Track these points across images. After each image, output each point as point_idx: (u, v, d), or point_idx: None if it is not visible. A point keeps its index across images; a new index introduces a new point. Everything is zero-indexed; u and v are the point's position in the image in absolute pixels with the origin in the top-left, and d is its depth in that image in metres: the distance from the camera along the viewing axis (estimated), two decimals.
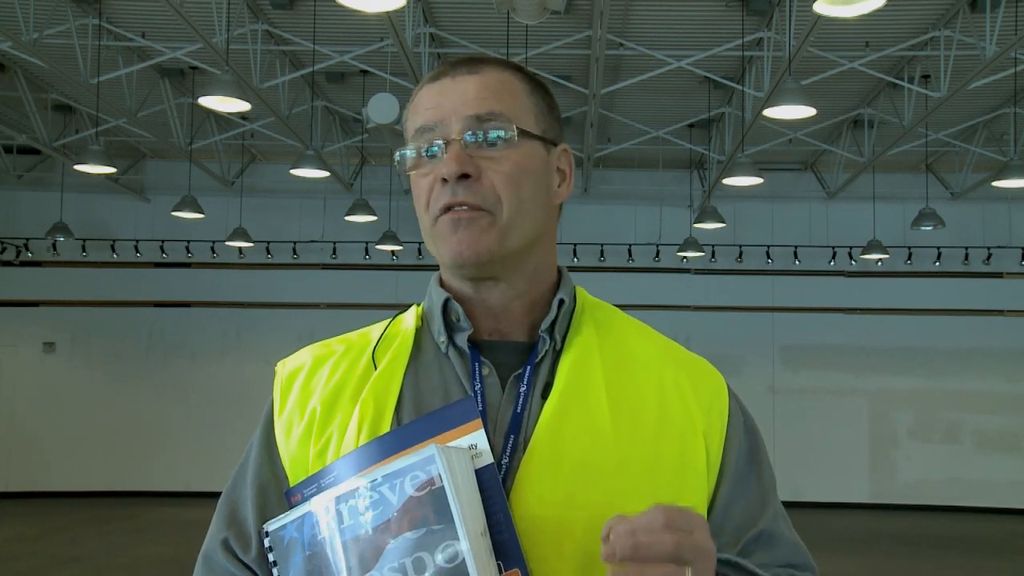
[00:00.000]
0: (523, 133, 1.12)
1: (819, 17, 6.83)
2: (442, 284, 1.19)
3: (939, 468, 13.33)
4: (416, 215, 1.19)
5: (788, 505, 1.20)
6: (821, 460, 13.23)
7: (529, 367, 1.12)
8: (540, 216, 1.15)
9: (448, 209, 1.10)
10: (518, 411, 1.09)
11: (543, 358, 1.13)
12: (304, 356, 1.21)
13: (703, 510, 1.11)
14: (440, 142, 1.11)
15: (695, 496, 1.10)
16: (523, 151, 1.13)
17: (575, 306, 1.19)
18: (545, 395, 1.10)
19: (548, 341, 1.14)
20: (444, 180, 1.10)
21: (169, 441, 13.39)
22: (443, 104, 1.13)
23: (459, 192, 1.09)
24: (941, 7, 8.42)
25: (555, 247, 1.21)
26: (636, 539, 0.88)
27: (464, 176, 1.09)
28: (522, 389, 1.10)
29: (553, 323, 1.14)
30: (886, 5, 5.97)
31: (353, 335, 1.23)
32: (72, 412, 13.42)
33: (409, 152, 1.14)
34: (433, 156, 1.12)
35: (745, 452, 1.17)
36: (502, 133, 1.11)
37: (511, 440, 1.07)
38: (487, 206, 1.10)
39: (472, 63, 1.16)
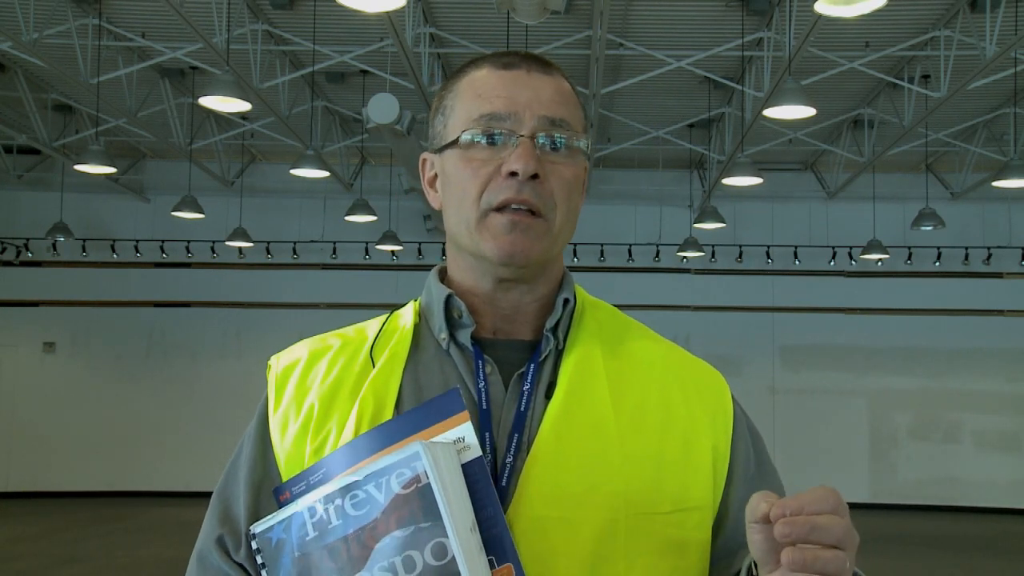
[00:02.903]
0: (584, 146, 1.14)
1: (819, 17, 6.83)
2: (443, 280, 1.18)
3: (939, 468, 13.33)
4: (431, 198, 1.17)
5: None
6: (821, 460, 13.22)
7: (533, 365, 1.11)
8: (575, 226, 1.17)
9: (505, 206, 1.08)
10: (522, 410, 1.08)
11: (546, 357, 1.12)
12: (300, 351, 1.19)
13: (710, 511, 1.11)
14: (511, 134, 1.10)
15: (701, 496, 1.10)
16: (577, 161, 1.14)
17: (576, 305, 1.18)
18: (549, 394, 1.10)
19: (552, 340, 1.13)
20: (511, 174, 1.08)
21: (169, 441, 13.39)
22: (518, 96, 1.11)
23: (525, 191, 1.08)
24: (941, 7, 8.42)
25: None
26: (814, 521, 0.87)
27: (533, 176, 1.08)
28: (525, 388, 1.09)
29: (557, 322, 1.14)
30: (886, 5, 5.96)
31: (349, 330, 1.21)
32: (72, 412, 13.42)
33: (470, 133, 1.11)
34: (493, 145, 1.10)
35: (753, 455, 1.17)
36: (573, 142, 1.12)
37: (515, 440, 1.06)
38: (545, 211, 1.09)
39: (543, 62, 1.15)
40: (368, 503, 0.96)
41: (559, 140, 1.11)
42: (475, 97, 1.12)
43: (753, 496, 0.91)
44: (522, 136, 1.09)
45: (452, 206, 1.13)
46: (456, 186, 1.12)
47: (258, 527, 1.03)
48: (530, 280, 1.13)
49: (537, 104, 1.10)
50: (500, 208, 1.09)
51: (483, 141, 1.10)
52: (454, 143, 1.12)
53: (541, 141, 1.10)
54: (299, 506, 1.00)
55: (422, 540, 0.94)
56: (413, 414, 1.04)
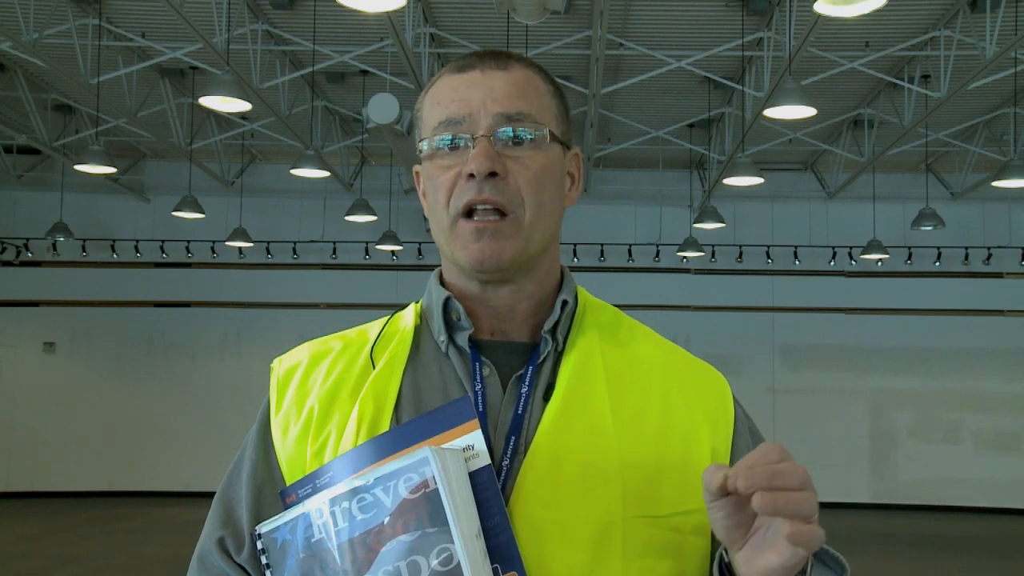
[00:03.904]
0: (550, 135, 1.12)
1: (819, 17, 6.83)
2: (442, 282, 1.18)
3: (939, 468, 13.33)
4: (425, 209, 1.18)
5: None
6: (821, 460, 13.21)
7: (531, 368, 1.11)
8: (556, 219, 1.15)
9: (471, 211, 1.08)
10: (519, 412, 1.08)
11: (545, 359, 1.12)
12: (301, 353, 1.19)
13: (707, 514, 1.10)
14: (467, 136, 1.10)
15: (699, 500, 1.07)
16: (547, 153, 1.12)
17: (577, 307, 1.18)
18: (547, 397, 1.09)
19: (550, 342, 1.12)
20: (470, 176, 1.08)
21: (169, 441, 13.39)
22: (471, 98, 1.10)
23: (485, 190, 1.07)
24: (941, 7, 8.42)
25: (559, 249, 1.20)
26: (774, 468, 0.86)
27: (492, 174, 1.08)
28: (523, 390, 1.09)
29: (556, 324, 1.13)
30: (886, 5, 5.96)
31: (350, 332, 1.21)
32: (72, 412, 13.42)
33: (431, 142, 1.12)
34: (456, 149, 1.10)
35: None
36: (532, 134, 1.10)
37: (512, 442, 1.06)
38: (511, 207, 1.08)
39: (500, 58, 1.14)
40: (375, 507, 0.96)
41: (516, 133, 1.09)
42: (435, 105, 1.13)
43: (704, 473, 0.90)
44: (478, 136, 1.09)
45: (431, 215, 1.14)
46: (430, 195, 1.13)
47: (264, 527, 1.03)
48: (515, 280, 1.12)
49: (491, 102, 1.10)
50: (468, 213, 1.09)
51: (443, 147, 1.11)
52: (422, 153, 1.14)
53: (498, 138, 1.09)
54: (306, 508, 1.00)
55: (428, 545, 0.94)
56: (423, 420, 1.04)
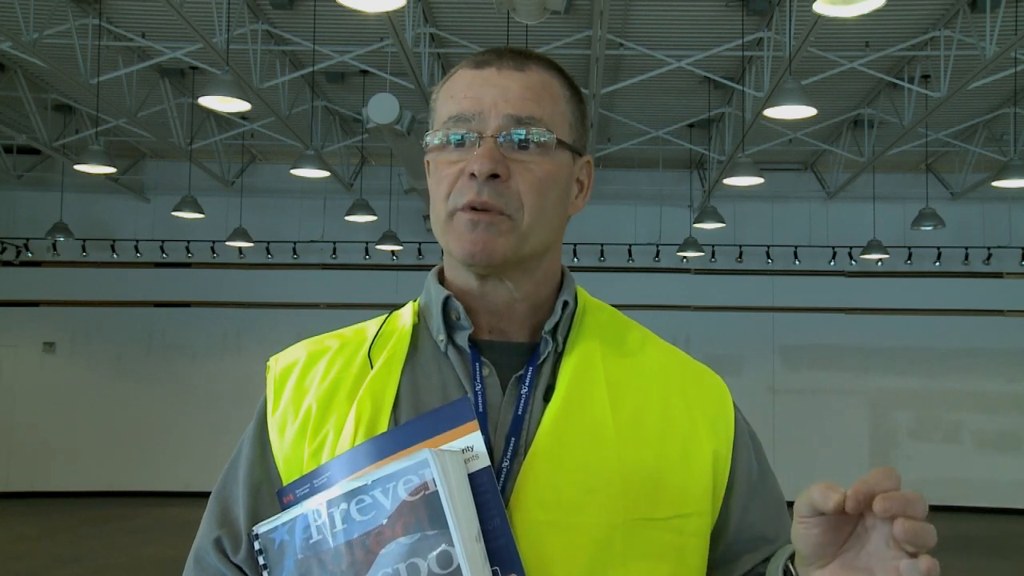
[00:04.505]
0: (558, 142, 1.11)
1: (819, 17, 6.83)
2: (442, 281, 1.17)
3: (939, 468, 13.32)
4: (429, 206, 1.17)
5: (788, 506, 1.20)
6: (821, 460, 13.22)
7: (531, 368, 1.10)
8: (557, 225, 1.14)
9: (469, 207, 1.08)
10: (519, 413, 1.07)
11: (545, 360, 1.11)
12: (298, 352, 1.18)
13: (708, 517, 1.10)
14: (475, 135, 1.09)
15: (699, 502, 1.09)
16: (553, 159, 1.11)
17: (577, 308, 1.17)
18: (547, 397, 1.09)
19: (550, 343, 1.12)
20: (472, 175, 1.07)
21: (169, 441, 13.39)
22: (483, 96, 1.10)
23: (485, 191, 1.07)
24: (941, 7, 8.42)
25: (561, 252, 1.20)
26: (906, 495, 0.84)
27: (494, 176, 1.07)
28: (523, 391, 1.08)
29: (556, 325, 1.13)
30: (886, 5, 5.96)
31: (347, 331, 1.21)
32: (72, 412, 13.41)
33: (438, 137, 1.11)
34: (461, 145, 1.09)
35: (754, 460, 1.17)
36: (540, 139, 1.09)
37: (512, 443, 1.05)
38: (509, 210, 1.08)
39: (519, 58, 1.13)
40: (374, 508, 0.96)
41: (523, 137, 1.09)
42: (448, 98, 1.13)
43: (813, 488, 0.88)
44: (485, 136, 1.08)
45: (431, 206, 1.14)
46: (432, 187, 1.13)
47: (262, 527, 1.03)
48: (510, 277, 1.12)
49: (503, 102, 1.09)
50: (465, 209, 1.08)
51: (449, 143, 1.10)
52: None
53: (505, 140, 1.08)
54: (304, 508, 1.00)
55: (427, 547, 0.94)
56: (422, 421, 1.03)
